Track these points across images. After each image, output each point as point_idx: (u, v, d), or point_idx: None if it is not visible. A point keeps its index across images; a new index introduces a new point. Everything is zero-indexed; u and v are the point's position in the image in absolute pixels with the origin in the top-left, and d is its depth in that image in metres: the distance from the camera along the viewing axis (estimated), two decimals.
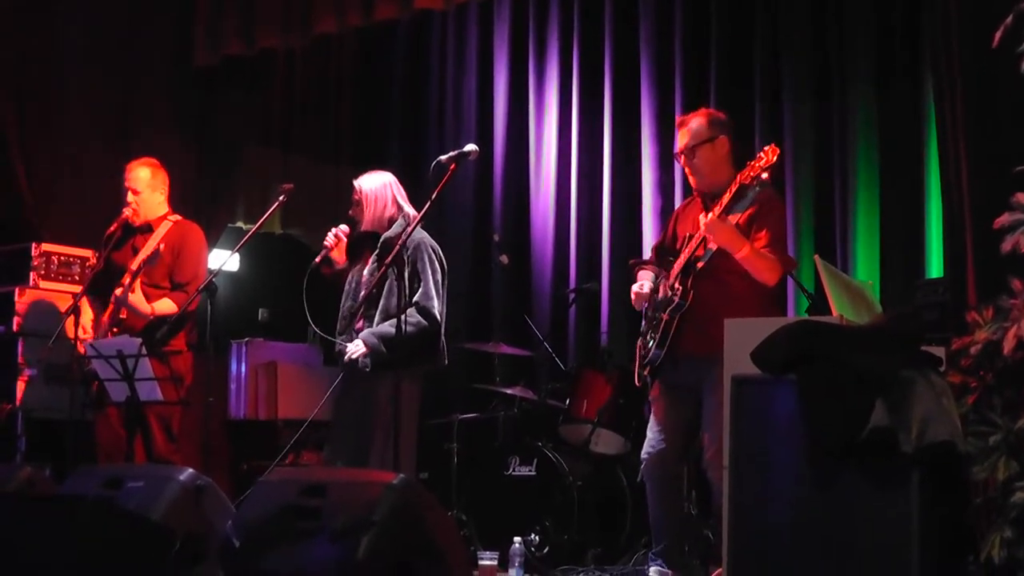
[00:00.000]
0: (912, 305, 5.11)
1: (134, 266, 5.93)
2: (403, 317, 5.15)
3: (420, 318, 5.34)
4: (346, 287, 5.61)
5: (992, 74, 4.66)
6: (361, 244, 5.62)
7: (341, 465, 5.43)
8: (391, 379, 5.18)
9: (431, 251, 5.47)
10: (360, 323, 5.47)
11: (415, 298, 5.37)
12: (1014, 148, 4.58)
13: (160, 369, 5.63)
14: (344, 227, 5.58)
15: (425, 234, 5.50)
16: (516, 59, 8.18)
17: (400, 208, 5.56)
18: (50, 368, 6.41)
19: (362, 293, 5.47)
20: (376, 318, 5.40)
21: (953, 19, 4.87)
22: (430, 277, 5.40)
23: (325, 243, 5.56)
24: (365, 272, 5.54)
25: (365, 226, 5.56)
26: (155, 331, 5.72)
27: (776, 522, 3.67)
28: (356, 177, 5.69)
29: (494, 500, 6.36)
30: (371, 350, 5.32)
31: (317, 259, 5.55)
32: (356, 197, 5.58)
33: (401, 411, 5.08)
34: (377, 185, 5.58)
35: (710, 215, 4.82)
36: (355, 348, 5.36)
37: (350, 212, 5.61)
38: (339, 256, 5.61)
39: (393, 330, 5.18)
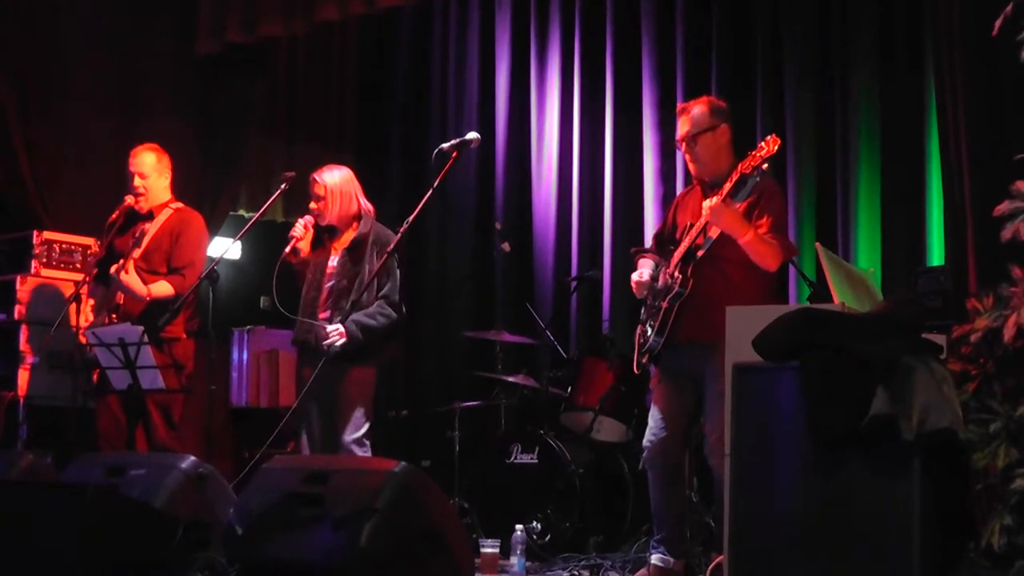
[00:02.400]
0: (913, 293, 5.11)
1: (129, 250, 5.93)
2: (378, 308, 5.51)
3: (391, 311, 5.52)
4: (309, 276, 5.74)
5: (993, 63, 4.67)
6: (320, 236, 5.77)
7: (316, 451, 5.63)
8: (357, 366, 5.52)
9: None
10: (327, 312, 5.59)
11: (384, 292, 5.56)
12: (1014, 136, 4.59)
13: (161, 357, 5.64)
14: (311, 217, 5.70)
15: (389, 231, 5.60)
16: (518, 47, 8.17)
17: (360, 203, 5.73)
18: (52, 356, 6.41)
19: (329, 284, 5.63)
20: (347, 309, 5.51)
21: (954, 8, 4.87)
22: (396, 274, 5.54)
23: (292, 233, 5.68)
24: (333, 262, 5.68)
25: (330, 220, 5.71)
26: (156, 318, 5.72)
27: (777, 509, 3.68)
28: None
29: (496, 488, 6.37)
30: (350, 339, 5.45)
31: (287, 249, 5.67)
32: (320, 193, 5.68)
33: (362, 397, 5.53)
34: (342, 181, 5.72)
35: (714, 199, 4.80)
36: (335, 335, 5.45)
37: (312, 206, 5.70)
38: (306, 246, 5.74)
39: (372, 322, 5.50)
